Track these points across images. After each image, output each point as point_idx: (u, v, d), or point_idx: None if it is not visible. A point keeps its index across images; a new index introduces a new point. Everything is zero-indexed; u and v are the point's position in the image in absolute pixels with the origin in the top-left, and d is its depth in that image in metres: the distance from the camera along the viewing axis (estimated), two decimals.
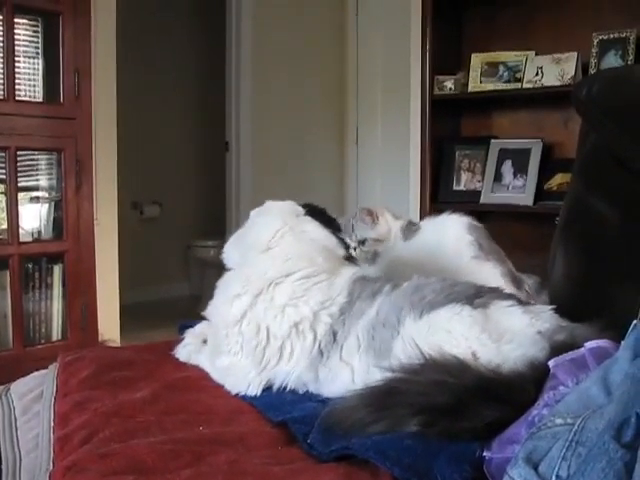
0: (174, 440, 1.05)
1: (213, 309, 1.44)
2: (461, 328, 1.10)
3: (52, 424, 1.19)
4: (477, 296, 1.17)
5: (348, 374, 1.22)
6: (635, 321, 0.84)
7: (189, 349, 1.50)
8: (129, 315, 3.54)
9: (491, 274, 1.67)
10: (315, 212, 1.51)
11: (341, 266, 1.41)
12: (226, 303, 1.37)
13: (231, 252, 1.50)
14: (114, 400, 1.23)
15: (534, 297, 1.68)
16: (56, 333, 3.00)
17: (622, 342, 0.85)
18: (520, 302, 1.20)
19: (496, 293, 1.21)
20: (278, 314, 1.31)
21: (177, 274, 5.40)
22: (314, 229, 1.46)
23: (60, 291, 3.01)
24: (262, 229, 1.45)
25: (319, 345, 1.27)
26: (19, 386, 1.47)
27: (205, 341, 1.50)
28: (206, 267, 4.92)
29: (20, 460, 1.13)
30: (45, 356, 2.25)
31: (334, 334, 1.27)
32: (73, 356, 1.51)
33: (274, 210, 1.50)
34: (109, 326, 3.23)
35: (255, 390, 1.29)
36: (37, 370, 1.55)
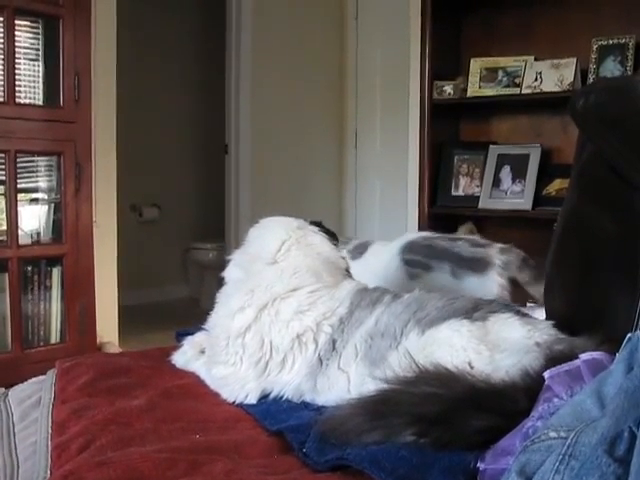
0: (170, 448, 1.05)
1: (215, 321, 1.43)
2: (460, 341, 1.11)
3: (50, 431, 1.19)
4: (475, 310, 1.18)
5: (344, 382, 1.23)
6: (629, 334, 0.84)
7: (187, 357, 1.50)
8: (128, 318, 3.54)
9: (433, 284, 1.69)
10: (315, 225, 1.52)
11: (344, 279, 1.43)
12: (229, 316, 1.37)
13: (233, 268, 1.49)
14: (111, 407, 1.23)
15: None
16: (55, 336, 2.99)
17: (617, 354, 0.85)
18: (518, 313, 1.21)
19: (494, 305, 1.22)
20: (282, 328, 1.31)
21: (176, 277, 5.39)
22: (319, 242, 1.46)
23: (59, 293, 3.00)
24: (267, 241, 1.45)
25: (319, 354, 1.28)
26: (17, 392, 1.47)
27: (203, 351, 1.50)
28: (205, 270, 4.93)
29: (18, 467, 1.13)
30: (44, 358, 2.26)
31: (333, 342, 1.28)
32: (71, 362, 1.52)
33: (278, 222, 1.51)
34: (108, 329, 3.23)
35: (253, 400, 1.30)
36: (36, 372, 1.56)
